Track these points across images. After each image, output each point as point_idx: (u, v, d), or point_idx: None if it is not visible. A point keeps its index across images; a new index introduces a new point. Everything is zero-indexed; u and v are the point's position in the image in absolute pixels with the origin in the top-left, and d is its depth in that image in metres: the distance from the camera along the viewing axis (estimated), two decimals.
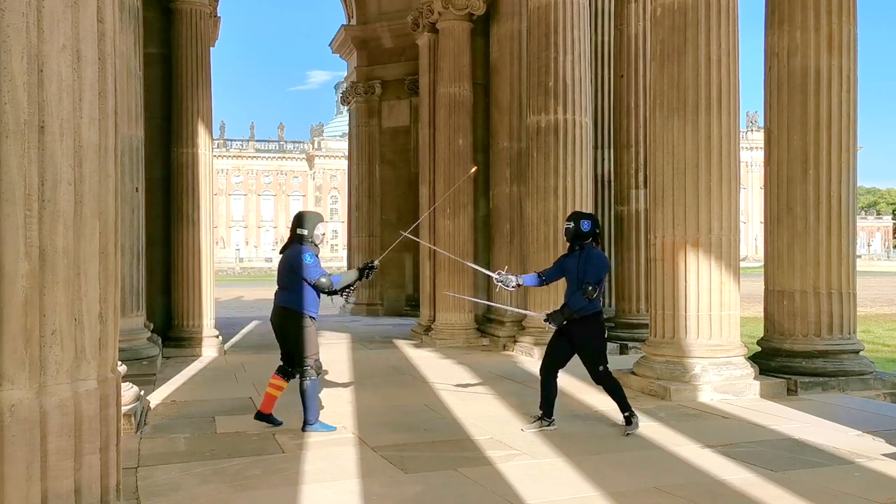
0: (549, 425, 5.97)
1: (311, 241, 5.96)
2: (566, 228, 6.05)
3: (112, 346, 2.86)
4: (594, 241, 5.98)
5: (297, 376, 5.94)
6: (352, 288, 6.17)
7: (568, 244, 6.13)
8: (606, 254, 8.94)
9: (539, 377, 6.14)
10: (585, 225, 5.93)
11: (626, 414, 5.87)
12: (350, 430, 6.01)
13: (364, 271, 6.11)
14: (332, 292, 5.97)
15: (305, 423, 5.90)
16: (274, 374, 6.16)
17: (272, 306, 6.08)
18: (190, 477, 4.69)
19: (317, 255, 5.97)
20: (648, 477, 4.72)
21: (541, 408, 6.06)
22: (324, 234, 6.14)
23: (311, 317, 5.92)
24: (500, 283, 6.13)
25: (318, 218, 6.19)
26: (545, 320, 6.01)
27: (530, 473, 4.81)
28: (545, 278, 6.27)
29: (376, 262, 6.22)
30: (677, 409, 6.78)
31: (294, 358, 5.99)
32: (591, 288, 5.75)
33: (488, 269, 12.33)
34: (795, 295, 7.95)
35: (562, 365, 6.11)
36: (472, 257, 12.14)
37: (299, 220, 6.06)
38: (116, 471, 2.86)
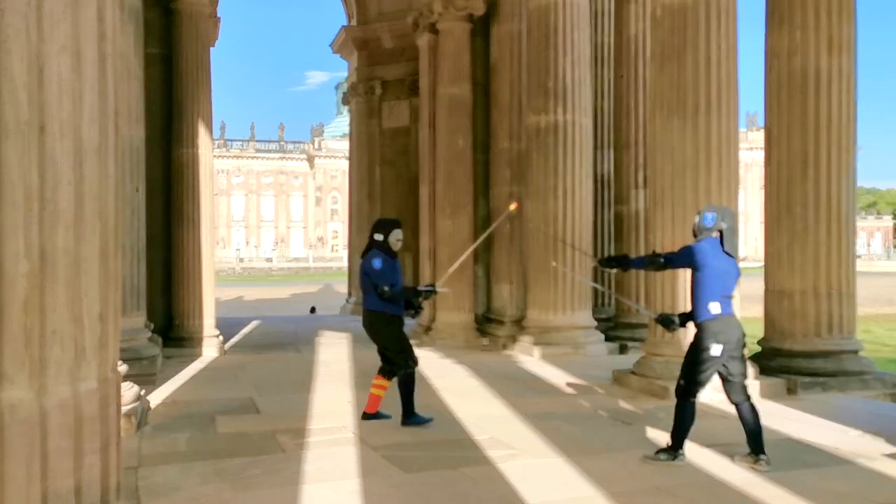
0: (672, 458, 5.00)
1: (388, 246, 6.13)
2: None
3: (112, 345, 2.86)
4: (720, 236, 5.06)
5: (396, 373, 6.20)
6: (417, 307, 6.22)
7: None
8: (608, 254, 8.26)
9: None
10: (707, 219, 5.10)
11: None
12: (350, 430, 6.02)
13: (422, 292, 6.20)
14: (391, 301, 6.07)
15: (403, 417, 6.12)
16: (376, 375, 6.40)
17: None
18: (190, 477, 4.69)
19: (394, 259, 6.15)
20: (648, 477, 4.73)
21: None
22: (399, 239, 6.22)
23: (394, 315, 6.14)
24: (605, 267, 5.76)
25: (395, 224, 6.29)
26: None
27: (530, 473, 4.81)
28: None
29: (438, 286, 6.30)
30: None
31: (387, 356, 6.27)
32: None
33: (489, 268, 12.40)
34: (795, 295, 7.95)
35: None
36: (472, 257, 12.13)
37: (376, 225, 6.30)
38: (117, 471, 2.87)
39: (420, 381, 8.51)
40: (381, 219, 6.62)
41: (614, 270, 5.58)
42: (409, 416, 6.12)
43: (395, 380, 6.34)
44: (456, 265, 6.88)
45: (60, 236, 2.60)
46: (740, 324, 5.14)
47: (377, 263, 6.03)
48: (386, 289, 5.98)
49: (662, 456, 5.00)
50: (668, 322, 5.23)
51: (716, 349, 4.90)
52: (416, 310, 6.24)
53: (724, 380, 5.12)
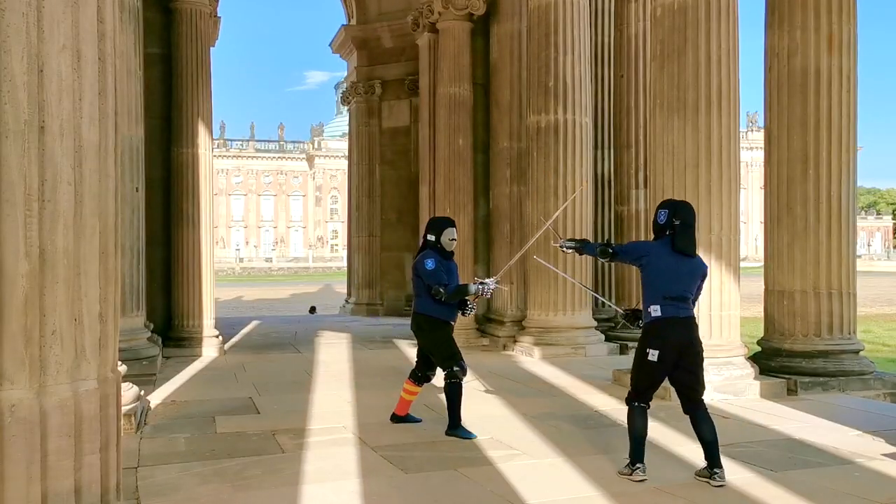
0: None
1: (441, 247, 5.92)
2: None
3: (112, 345, 2.86)
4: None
5: (444, 379, 5.90)
6: (469, 304, 5.92)
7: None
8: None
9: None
10: (660, 216, 4.81)
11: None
12: (350, 430, 6.01)
13: (478, 289, 5.76)
14: (446, 302, 5.81)
15: (448, 427, 5.85)
16: (407, 380, 6.22)
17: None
18: (190, 477, 4.69)
19: (448, 261, 5.95)
20: (648, 477, 4.72)
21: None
22: (453, 239, 5.98)
23: (444, 320, 5.90)
24: (564, 247, 5.26)
25: (448, 223, 6.08)
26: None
27: (530, 473, 4.81)
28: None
29: (493, 282, 5.80)
30: (678, 408, 6.72)
31: (434, 362, 6.04)
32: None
33: (489, 268, 12.38)
34: (795, 295, 7.94)
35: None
36: (472, 257, 12.14)
37: (429, 225, 6.07)
38: (116, 471, 2.86)
39: None
40: (433, 218, 6.39)
41: (570, 252, 5.35)
42: (455, 428, 5.82)
43: (425, 386, 6.23)
44: (517, 256, 6.62)
45: (60, 236, 2.60)
46: (688, 327, 4.66)
47: (430, 264, 5.80)
48: (441, 290, 5.75)
49: (625, 470, 4.68)
50: (634, 319, 4.93)
51: (652, 354, 4.59)
52: (466, 308, 5.92)
53: (677, 390, 4.85)
